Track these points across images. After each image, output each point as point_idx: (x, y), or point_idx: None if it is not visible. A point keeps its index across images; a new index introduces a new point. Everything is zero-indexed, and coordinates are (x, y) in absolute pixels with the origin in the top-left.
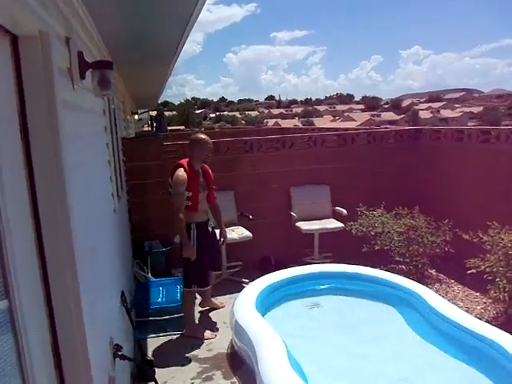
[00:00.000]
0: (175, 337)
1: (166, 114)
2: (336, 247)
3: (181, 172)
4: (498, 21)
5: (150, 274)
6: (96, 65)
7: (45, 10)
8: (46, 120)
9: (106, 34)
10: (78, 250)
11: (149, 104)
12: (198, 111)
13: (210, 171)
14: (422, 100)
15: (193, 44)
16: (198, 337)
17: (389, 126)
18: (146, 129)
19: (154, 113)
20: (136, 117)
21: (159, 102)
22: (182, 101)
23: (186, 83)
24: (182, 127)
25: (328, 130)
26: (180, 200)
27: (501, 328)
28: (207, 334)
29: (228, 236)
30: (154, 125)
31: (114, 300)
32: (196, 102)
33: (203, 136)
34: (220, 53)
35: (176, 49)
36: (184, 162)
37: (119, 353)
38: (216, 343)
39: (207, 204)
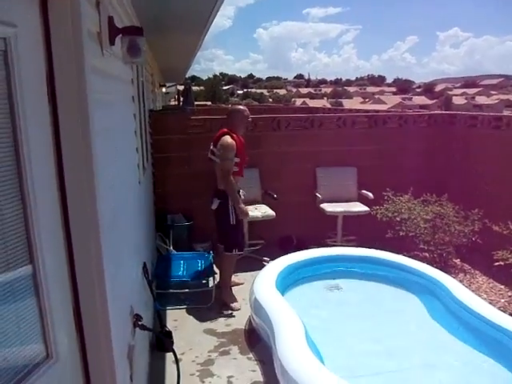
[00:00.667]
0: (194, 310)
1: (194, 88)
2: (360, 231)
3: (229, 139)
4: None
5: (171, 247)
6: (126, 31)
7: None
8: (74, 84)
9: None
10: (102, 215)
11: (176, 77)
12: (225, 87)
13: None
14: (457, 85)
15: (223, 18)
16: (229, 303)
17: (421, 110)
18: (172, 103)
19: (181, 87)
20: (163, 90)
21: (187, 76)
22: (210, 76)
23: (214, 58)
24: (208, 103)
25: (357, 111)
26: (230, 165)
27: None
28: (236, 305)
29: (251, 214)
30: (181, 99)
31: (135, 270)
32: (224, 78)
33: (243, 107)
34: (250, 28)
35: (207, 18)
36: (226, 130)
37: (139, 322)
38: (234, 319)
39: None
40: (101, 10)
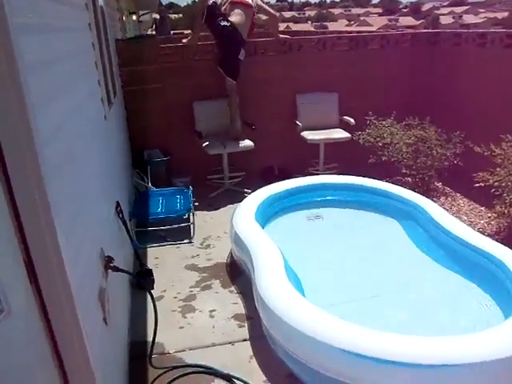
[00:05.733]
0: (174, 247)
1: (172, 16)
2: (342, 158)
3: None
4: None
5: (150, 184)
6: None
7: None
8: None
9: None
10: (46, 159)
11: (150, 4)
12: None
13: None
14: (444, 4)
15: None
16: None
17: (405, 30)
18: (149, 32)
19: (157, 16)
20: (134, 17)
21: (164, 3)
22: (189, 2)
23: None
24: (188, 31)
25: (340, 33)
26: None
27: (502, 243)
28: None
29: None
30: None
31: (106, 211)
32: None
33: None
34: None
35: None
36: None
37: (111, 264)
38: (215, 253)
39: None
40: None
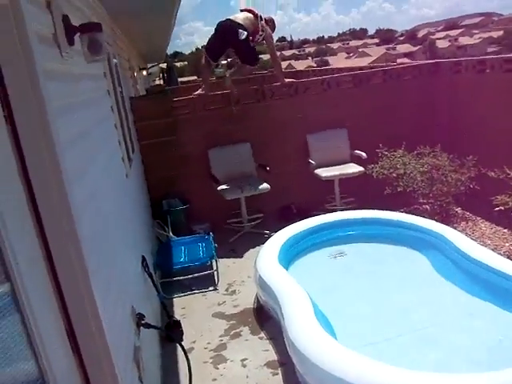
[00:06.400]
0: (200, 295)
1: (178, 64)
2: (358, 192)
3: None
4: None
5: (171, 233)
6: (84, 28)
7: None
8: (29, 95)
9: None
10: (81, 227)
11: (157, 57)
12: None
13: None
14: (439, 28)
15: None
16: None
17: (406, 61)
18: (157, 82)
19: (164, 65)
20: (144, 72)
21: (169, 53)
22: (193, 50)
23: (194, 31)
24: (194, 77)
25: (342, 70)
26: None
27: None
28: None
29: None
30: (165, 77)
31: (133, 267)
32: None
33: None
34: None
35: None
36: None
37: (142, 321)
38: (241, 299)
39: None
40: (53, 9)
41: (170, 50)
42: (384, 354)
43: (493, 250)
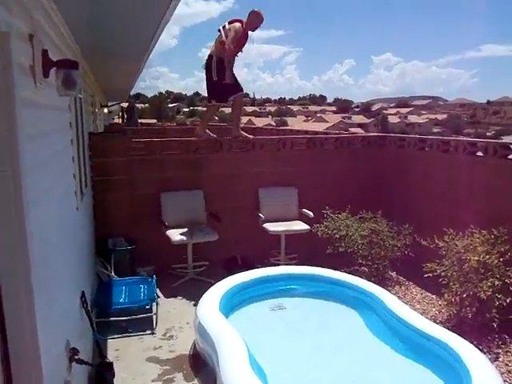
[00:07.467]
0: (136, 338)
1: (139, 106)
2: (302, 248)
3: None
4: (463, 34)
5: (113, 273)
6: (61, 64)
7: (4, 9)
8: (3, 118)
9: (74, 30)
10: (33, 253)
11: (120, 96)
12: (171, 105)
13: None
14: (391, 105)
15: (168, 37)
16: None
17: (358, 130)
18: (116, 120)
19: (125, 104)
20: (106, 110)
21: (131, 93)
22: (156, 94)
23: (160, 76)
24: (154, 121)
25: (299, 132)
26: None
27: (453, 330)
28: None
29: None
30: (125, 116)
31: (72, 301)
32: (170, 96)
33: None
34: (196, 47)
35: (149, 45)
36: None
37: (76, 357)
38: (178, 345)
39: None
40: (34, 43)
41: (133, 91)
42: None
43: (421, 313)
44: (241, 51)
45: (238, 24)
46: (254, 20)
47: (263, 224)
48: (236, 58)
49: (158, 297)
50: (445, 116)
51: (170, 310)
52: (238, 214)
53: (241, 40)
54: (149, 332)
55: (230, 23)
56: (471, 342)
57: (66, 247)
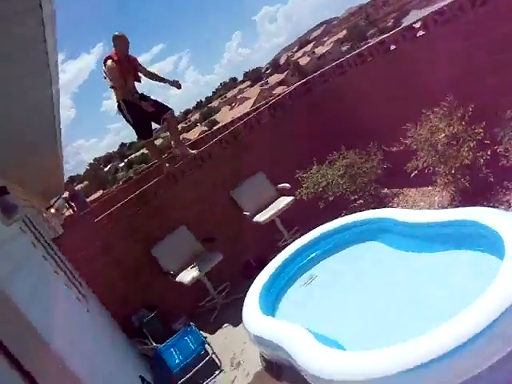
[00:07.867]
0: (212, 381)
1: (79, 186)
2: (299, 219)
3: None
4: None
5: (154, 343)
6: None
7: None
8: None
9: None
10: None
11: (57, 191)
12: (106, 168)
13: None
14: (294, 50)
15: (65, 110)
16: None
17: (281, 89)
18: (67, 213)
19: (66, 193)
20: (53, 210)
21: (66, 181)
22: (87, 167)
23: (79, 149)
24: (100, 192)
25: (232, 122)
26: None
27: (462, 205)
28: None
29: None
30: (72, 205)
31: None
32: (100, 161)
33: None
34: (95, 105)
35: (55, 131)
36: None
37: None
38: (249, 365)
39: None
40: None
41: (66, 178)
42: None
43: (428, 208)
44: (138, 79)
45: (109, 61)
46: (120, 43)
47: (253, 219)
48: (138, 84)
49: (206, 337)
50: (345, 32)
51: (222, 342)
52: (228, 225)
53: (123, 69)
54: (217, 372)
55: (104, 64)
56: (483, 205)
57: (100, 350)
